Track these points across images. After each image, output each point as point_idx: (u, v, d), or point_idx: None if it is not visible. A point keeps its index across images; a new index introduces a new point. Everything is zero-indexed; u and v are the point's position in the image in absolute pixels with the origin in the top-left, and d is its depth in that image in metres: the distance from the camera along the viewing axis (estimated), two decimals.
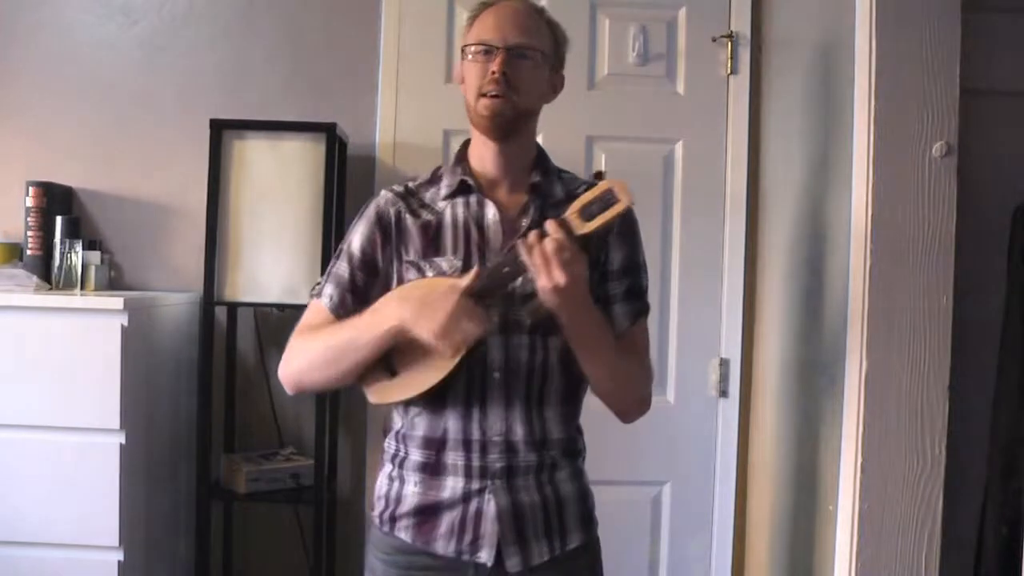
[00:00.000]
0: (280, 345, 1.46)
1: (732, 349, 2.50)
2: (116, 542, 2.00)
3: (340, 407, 2.45)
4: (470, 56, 1.42)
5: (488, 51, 1.40)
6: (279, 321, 2.44)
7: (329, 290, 1.45)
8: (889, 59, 1.73)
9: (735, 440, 2.49)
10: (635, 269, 1.49)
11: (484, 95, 1.39)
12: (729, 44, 2.50)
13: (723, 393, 2.50)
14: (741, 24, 2.50)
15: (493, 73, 1.38)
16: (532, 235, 1.27)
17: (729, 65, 2.50)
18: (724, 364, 2.50)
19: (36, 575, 2.01)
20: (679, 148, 2.52)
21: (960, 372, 1.76)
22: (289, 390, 1.46)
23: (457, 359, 1.33)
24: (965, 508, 1.89)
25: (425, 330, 1.28)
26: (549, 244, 1.25)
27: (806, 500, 2.07)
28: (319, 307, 1.45)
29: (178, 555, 2.42)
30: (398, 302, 1.34)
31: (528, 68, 1.41)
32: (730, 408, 2.50)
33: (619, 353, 1.41)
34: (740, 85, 2.51)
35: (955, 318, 1.74)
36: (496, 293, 1.34)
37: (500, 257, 1.36)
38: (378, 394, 1.41)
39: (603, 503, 1.53)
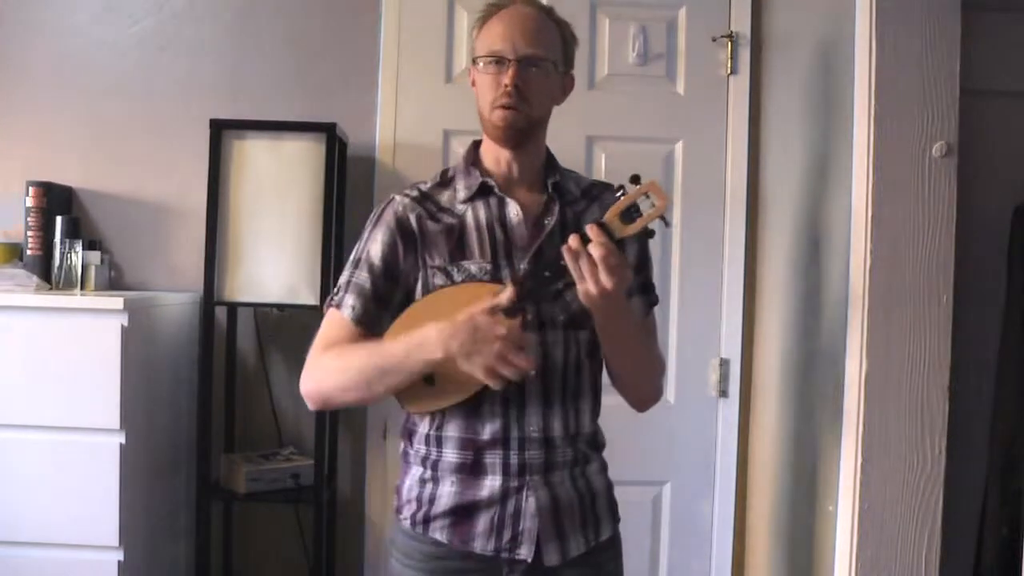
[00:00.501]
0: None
1: (732, 349, 2.50)
2: (116, 542, 2.00)
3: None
4: (481, 66, 1.42)
5: (499, 61, 1.40)
6: (279, 321, 2.43)
7: (350, 300, 1.41)
8: (889, 59, 1.73)
9: (735, 440, 2.49)
10: (646, 263, 1.54)
11: (497, 107, 1.39)
12: (729, 44, 2.49)
13: (723, 393, 2.50)
14: (741, 24, 2.50)
15: (506, 86, 1.38)
16: (574, 240, 1.26)
17: (729, 65, 2.50)
18: (724, 364, 2.49)
19: (36, 575, 2.00)
20: (679, 148, 2.51)
21: (960, 372, 1.76)
22: (313, 406, 1.44)
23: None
24: (965, 508, 1.89)
25: (477, 367, 1.26)
26: (597, 250, 1.24)
27: (806, 500, 2.07)
28: (339, 318, 1.41)
29: (178, 555, 2.42)
30: (439, 331, 1.28)
31: (539, 78, 1.40)
32: (730, 408, 2.50)
33: (644, 344, 1.46)
34: (740, 85, 2.50)
35: (955, 318, 1.74)
36: (539, 300, 1.34)
37: (532, 263, 1.37)
38: (415, 403, 1.39)
39: None
